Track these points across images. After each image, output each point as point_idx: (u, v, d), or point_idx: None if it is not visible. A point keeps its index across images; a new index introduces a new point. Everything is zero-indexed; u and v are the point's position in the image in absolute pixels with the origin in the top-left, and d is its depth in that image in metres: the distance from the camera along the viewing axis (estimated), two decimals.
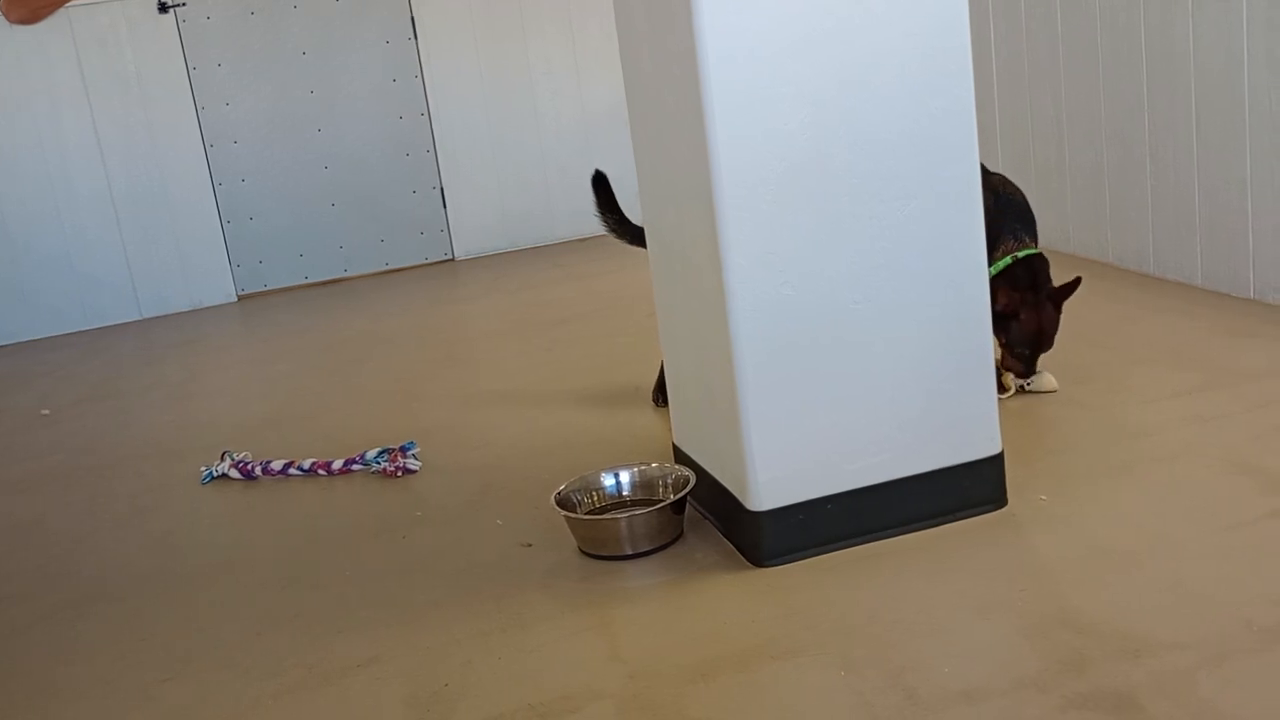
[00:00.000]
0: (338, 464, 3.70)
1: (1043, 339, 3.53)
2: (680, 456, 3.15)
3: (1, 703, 2.61)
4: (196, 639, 2.77)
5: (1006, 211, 3.58)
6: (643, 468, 3.11)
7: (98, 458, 4.40)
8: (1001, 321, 3.48)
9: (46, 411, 5.16)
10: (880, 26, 2.58)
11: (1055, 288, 3.54)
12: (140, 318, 7.05)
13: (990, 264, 3.45)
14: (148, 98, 6.92)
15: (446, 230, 7.47)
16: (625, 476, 3.11)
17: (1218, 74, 4.27)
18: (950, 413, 2.78)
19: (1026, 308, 3.48)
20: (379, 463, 3.69)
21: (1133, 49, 4.69)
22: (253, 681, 2.54)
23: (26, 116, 6.75)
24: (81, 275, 6.95)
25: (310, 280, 7.33)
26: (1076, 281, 3.54)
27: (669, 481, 3.05)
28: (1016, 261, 3.51)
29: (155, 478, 4.01)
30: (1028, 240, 3.58)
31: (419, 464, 3.66)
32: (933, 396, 2.76)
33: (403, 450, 3.70)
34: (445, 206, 7.44)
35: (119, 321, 7.00)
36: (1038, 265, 3.54)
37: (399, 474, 3.60)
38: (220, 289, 7.16)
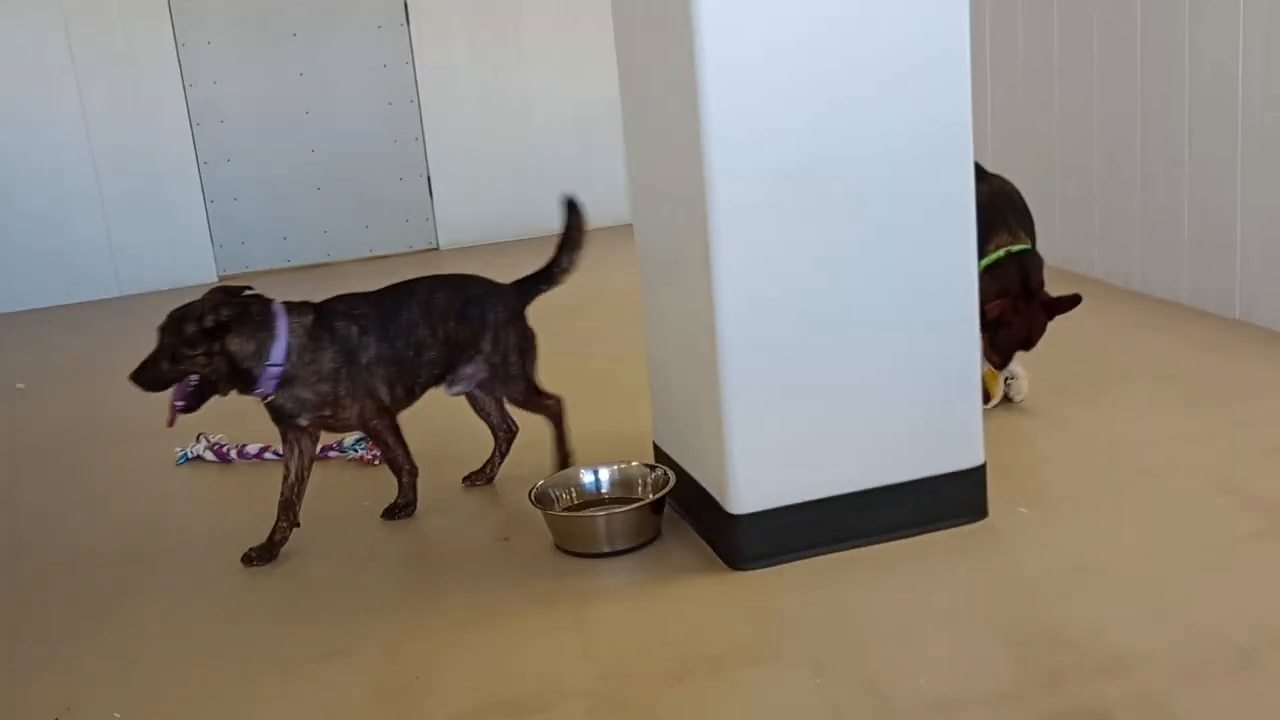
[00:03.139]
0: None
1: (1029, 344, 3.48)
2: (661, 456, 3.13)
3: None
4: (164, 622, 2.73)
5: (1001, 204, 3.49)
6: (622, 466, 3.09)
7: (73, 435, 4.35)
8: (987, 322, 3.44)
9: (22, 386, 5.10)
10: (877, 32, 2.56)
11: (1051, 298, 3.45)
12: (119, 294, 6.99)
13: (982, 256, 3.37)
14: (136, 74, 6.85)
15: (432, 219, 7.43)
16: (604, 474, 3.08)
17: (1212, 94, 4.27)
18: (934, 422, 2.77)
19: (1018, 316, 3.42)
20: (356, 450, 3.66)
21: (1128, 65, 4.69)
22: (219, 666, 2.50)
23: (12, 88, 6.68)
24: (62, 250, 6.88)
25: (293, 263, 7.28)
26: (1075, 299, 3.44)
27: (648, 481, 3.03)
28: (1009, 256, 3.42)
29: (130, 457, 3.96)
30: (1022, 235, 3.49)
31: None
32: (917, 405, 2.75)
33: None
34: (431, 195, 7.40)
35: (98, 298, 6.94)
36: (1030, 264, 3.45)
37: (376, 462, 3.57)
38: (201, 268, 7.10)
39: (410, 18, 7.18)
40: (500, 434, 3.36)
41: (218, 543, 3.11)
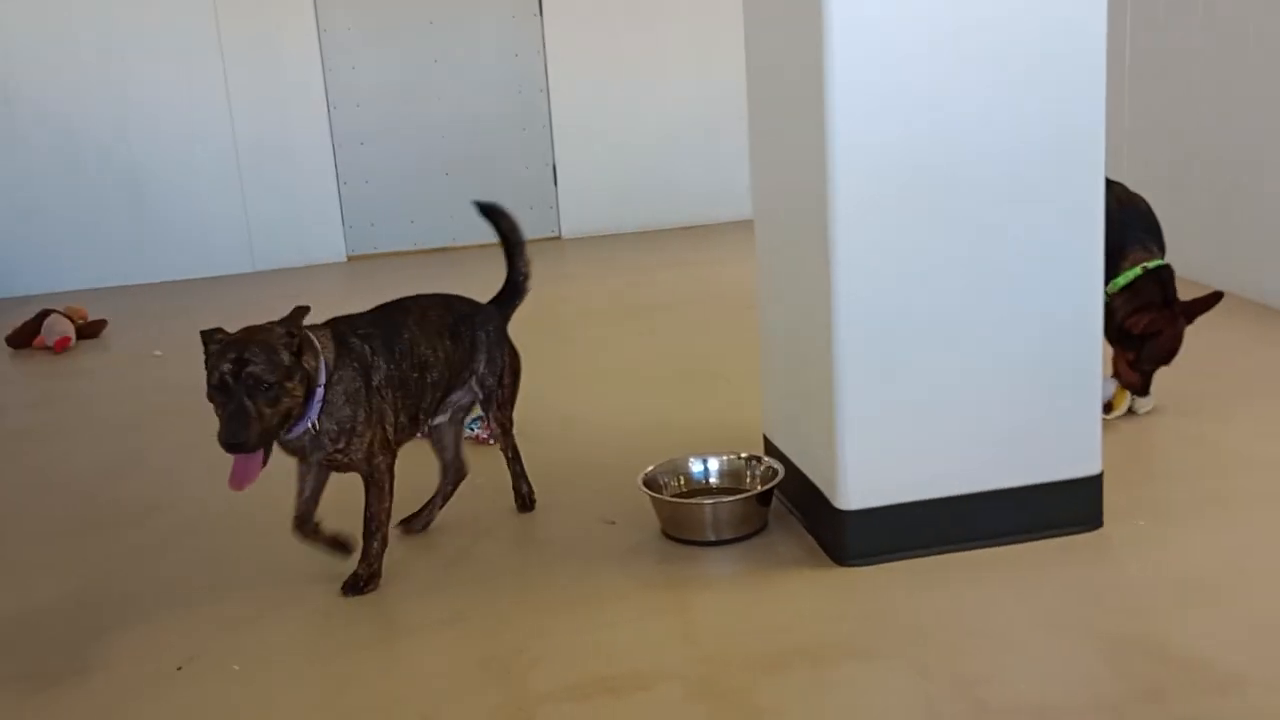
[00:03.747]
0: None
1: (1171, 357, 3.42)
2: (770, 449, 3.15)
3: (89, 624, 2.71)
4: (283, 583, 2.84)
5: (1132, 221, 3.44)
6: (731, 456, 3.11)
7: (202, 401, 4.50)
8: (1133, 339, 3.38)
9: (158, 353, 5.33)
10: (1008, 35, 2.53)
11: (1187, 302, 3.40)
12: (253, 270, 7.24)
13: (1118, 274, 3.36)
14: (278, 57, 7.09)
15: (556, 207, 7.53)
16: (714, 464, 3.11)
17: None
18: (1052, 428, 2.73)
19: (1167, 325, 3.36)
20: (473, 429, 3.74)
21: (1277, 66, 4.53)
22: (332, 628, 2.60)
23: (162, 69, 6.96)
24: (201, 225, 7.16)
25: (419, 246, 7.45)
26: (1215, 296, 3.37)
27: (757, 472, 3.05)
28: (1146, 273, 3.38)
29: None
30: (1155, 251, 3.44)
31: None
32: (1035, 410, 2.71)
33: None
34: (556, 183, 7.50)
35: (233, 272, 7.19)
36: (1166, 278, 3.41)
37: (492, 441, 3.65)
38: (331, 248, 7.31)
39: (544, 8, 7.29)
40: (450, 474, 3.09)
41: (336, 511, 3.22)
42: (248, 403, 2.42)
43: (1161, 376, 3.51)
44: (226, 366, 2.43)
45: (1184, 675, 2.17)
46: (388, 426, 2.72)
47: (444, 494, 3.09)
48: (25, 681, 2.48)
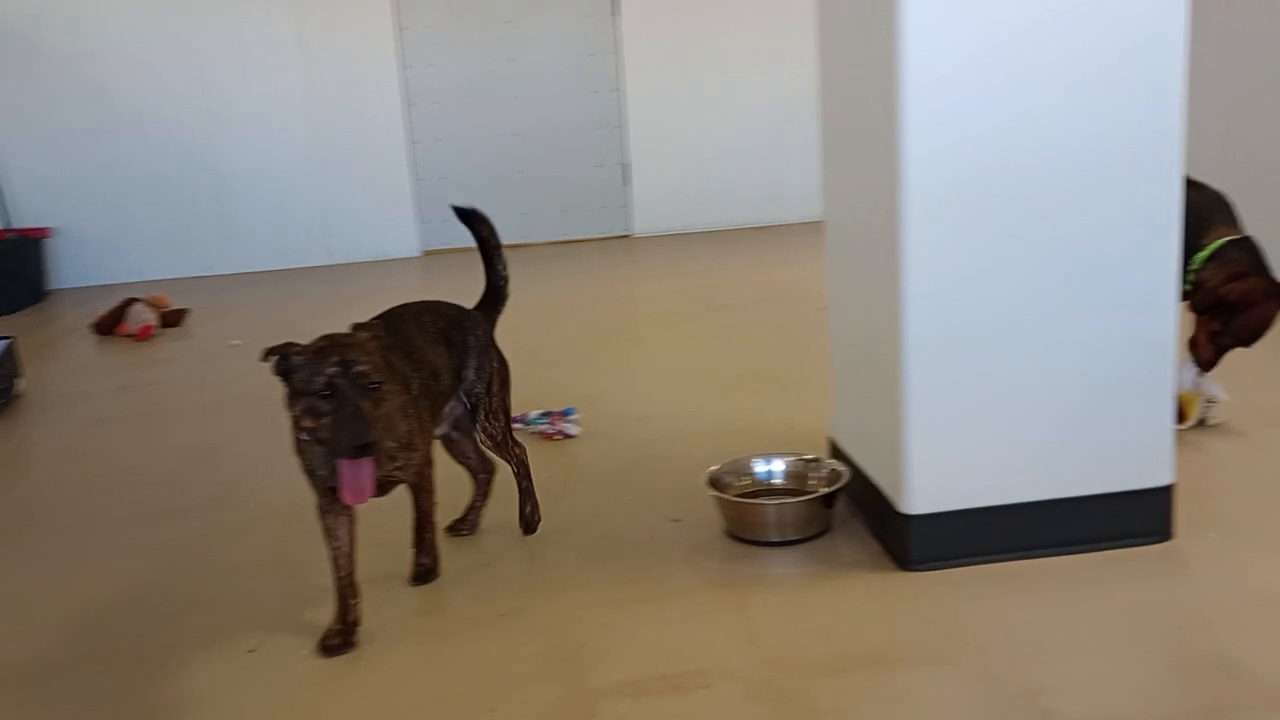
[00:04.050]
0: None
1: (1257, 336, 3.34)
2: (836, 451, 3.14)
3: (164, 607, 2.79)
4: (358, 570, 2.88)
5: (1211, 202, 3.41)
6: (796, 458, 3.11)
7: (280, 390, 4.60)
8: (1222, 308, 3.30)
9: (237, 342, 5.45)
10: (1085, 34, 2.50)
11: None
12: (329, 263, 7.36)
13: (1201, 248, 3.31)
14: (357, 55, 7.20)
15: (626, 206, 7.56)
16: (779, 464, 3.11)
17: None
18: (1123, 437, 2.69)
19: (1264, 300, 3.27)
20: (539, 424, 3.78)
21: None
22: (398, 620, 2.64)
23: (246, 68, 7.11)
24: (280, 219, 7.30)
25: None
26: None
27: (822, 474, 3.04)
28: (1230, 243, 3.32)
29: None
30: (1237, 229, 3.39)
31: (578, 429, 3.74)
32: (1106, 418, 2.68)
33: (563, 414, 3.78)
34: (627, 183, 7.53)
35: (310, 265, 7.32)
36: (1254, 247, 3.34)
37: (557, 437, 3.68)
38: (406, 243, 7.42)
39: (619, 8, 7.32)
40: (480, 477, 3.07)
41: (406, 503, 3.27)
42: (362, 403, 2.27)
43: (1236, 388, 3.44)
44: (332, 370, 2.26)
45: (1256, 693, 2.13)
46: (429, 437, 2.65)
47: (482, 494, 3.08)
48: (101, 663, 2.56)
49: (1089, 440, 2.69)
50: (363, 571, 2.60)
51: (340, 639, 2.50)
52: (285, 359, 2.32)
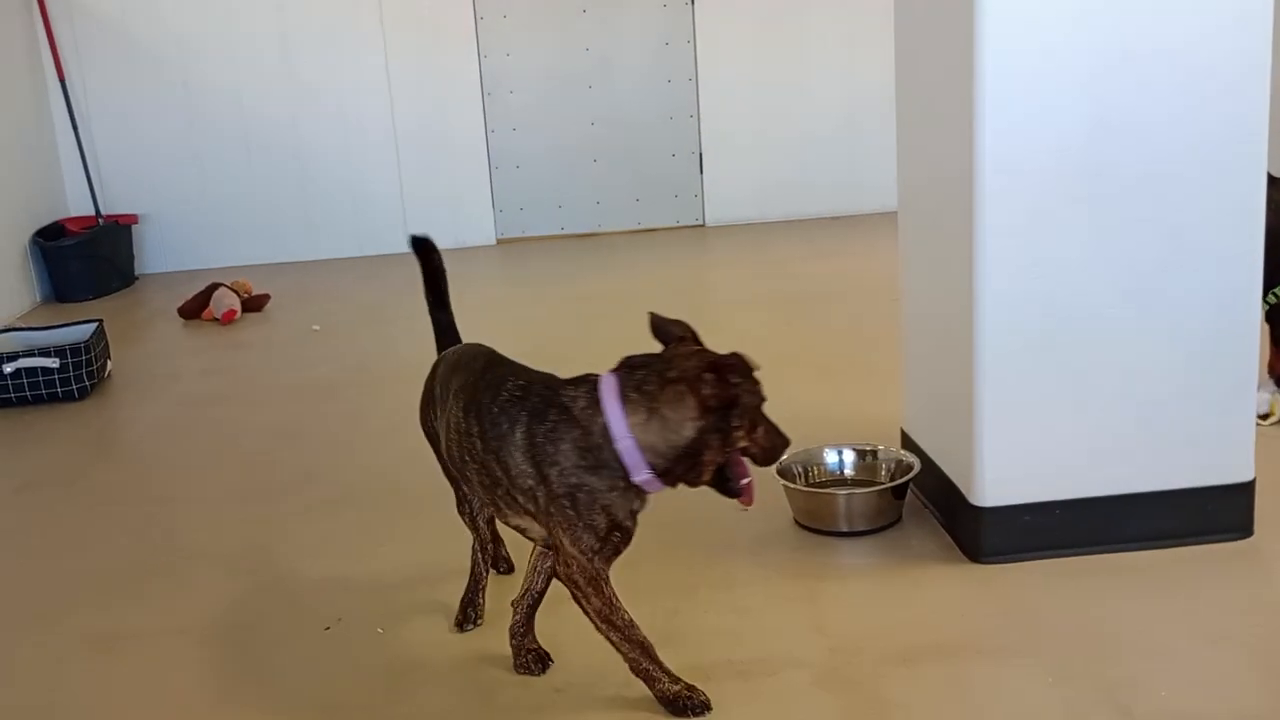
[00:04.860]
0: None
1: None
2: (908, 443, 3.13)
3: (246, 583, 2.87)
4: (430, 552, 2.94)
5: None
6: (867, 449, 3.10)
7: (360, 374, 4.71)
8: None
9: (317, 327, 5.55)
10: (1167, 26, 2.45)
11: None
12: (408, 250, 7.46)
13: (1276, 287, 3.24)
14: (437, 43, 7.27)
15: (701, 196, 7.55)
16: (849, 455, 3.11)
17: None
18: (1202, 432, 2.65)
19: None
20: None
21: None
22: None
23: (329, 56, 7.22)
24: (360, 206, 7.40)
25: (566, 231, 7.56)
26: None
27: (892, 466, 3.03)
28: None
29: (410, 398, 4.22)
30: None
31: None
32: (1185, 413, 2.63)
33: None
34: (702, 172, 7.52)
35: (388, 252, 7.42)
36: None
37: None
38: (482, 231, 7.48)
39: None
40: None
41: None
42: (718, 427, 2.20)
43: None
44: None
45: None
46: None
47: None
48: (183, 635, 2.64)
49: (1168, 434, 2.65)
50: (453, 551, 2.63)
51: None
52: (737, 371, 2.17)
